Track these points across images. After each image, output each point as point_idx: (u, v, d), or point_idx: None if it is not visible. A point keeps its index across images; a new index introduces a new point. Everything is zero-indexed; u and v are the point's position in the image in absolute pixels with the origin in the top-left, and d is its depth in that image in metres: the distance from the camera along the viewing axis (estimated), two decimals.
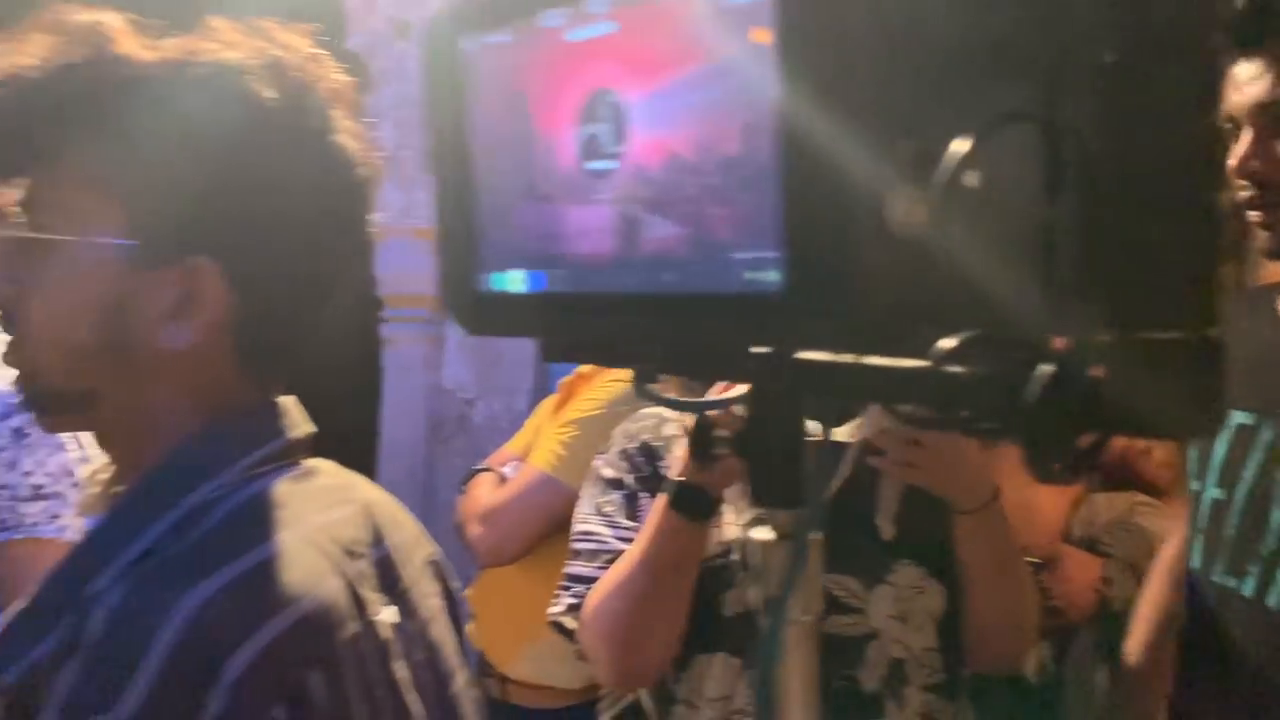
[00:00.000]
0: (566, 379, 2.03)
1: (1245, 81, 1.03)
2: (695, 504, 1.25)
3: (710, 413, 1.24)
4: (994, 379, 0.45)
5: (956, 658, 1.36)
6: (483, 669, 1.95)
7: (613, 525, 1.39)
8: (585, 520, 1.41)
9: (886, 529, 1.32)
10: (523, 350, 3.67)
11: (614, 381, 1.88)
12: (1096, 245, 0.44)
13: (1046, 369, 0.44)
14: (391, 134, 3.70)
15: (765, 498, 0.64)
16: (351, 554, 0.78)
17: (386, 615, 0.80)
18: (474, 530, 1.88)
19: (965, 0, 0.45)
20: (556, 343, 0.64)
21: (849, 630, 1.31)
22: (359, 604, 0.76)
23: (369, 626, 0.76)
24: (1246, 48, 1.04)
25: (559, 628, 1.38)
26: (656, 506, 1.28)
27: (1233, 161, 1.02)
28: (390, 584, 0.83)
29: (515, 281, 0.62)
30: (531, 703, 1.89)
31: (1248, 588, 1.05)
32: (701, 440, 1.35)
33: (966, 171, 0.45)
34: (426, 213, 3.72)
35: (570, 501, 1.50)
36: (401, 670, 0.80)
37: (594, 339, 0.61)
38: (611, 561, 1.34)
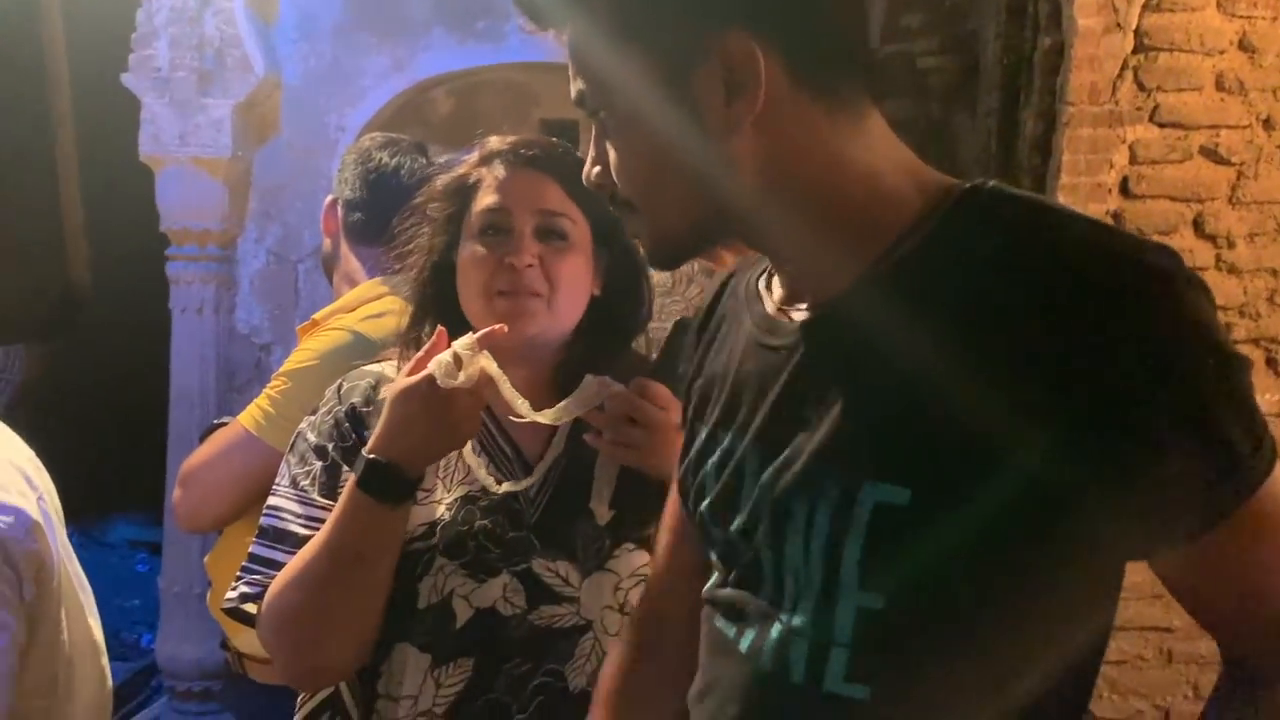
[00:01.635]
0: (302, 325, 1.80)
1: None
2: (387, 484, 1.09)
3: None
4: None
5: None
6: (223, 641, 1.78)
7: (304, 502, 1.20)
8: (277, 493, 1.23)
9: (601, 512, 1.19)
10: (320, 291, 3.46)
11: (333, 330, 1.67)
12: None
13: None
14: (165, 54, 3.36)
15: None
16: None
17: None
18: (176, 493, 1.68)
19: None
20: None
21: (559, 622, 1.17)
22: None
23: None
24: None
25: (237, 615, 1.19)
26: (347, 485, 1.13)
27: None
28: None
29: None
30: (266, 678, 1.70)
31: None
32: None
33: None
34: (208, 139, 3.44)
35: (274, 462, 1.31)
36: None
37: None
38: (299, 545, 1.16)
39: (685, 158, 0.76)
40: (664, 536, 1.00)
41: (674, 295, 1.71)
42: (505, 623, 1.15)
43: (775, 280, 0.86)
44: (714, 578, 0.88)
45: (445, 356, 1.09)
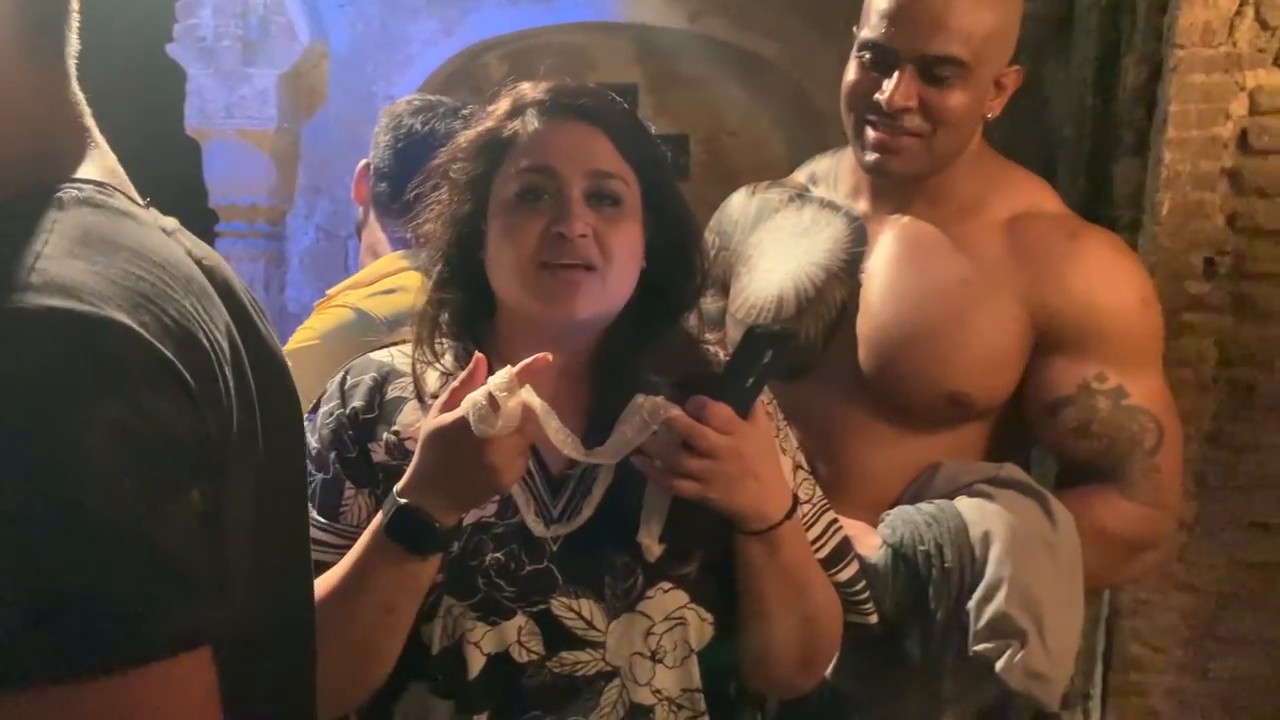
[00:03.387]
0: (319, 301, 1.72)
1: None
2: (418, 533, 0.98)
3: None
4: None
5: (723, 690, 1.11)
6: None
7: None
8: None
9: (650, 547, 1.04)
10: None
11: (336, 307, 1.58)
12: None
13: None
14: (209, 22, 3.25)
15: None
16: None
17: None
18: None
19: None
20: None
21: (582, 669, 1.04)
22: None
23: None
24: None
25: None
26: (372, 526, 1.01)
27: None
28: None
29: None
30: None
31: None
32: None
33: None
34: (253, 110, 3.33)
35: None
36: None
37: None
38: None
39: None
40: None
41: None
42: (520, 670, 1.03)
43: None
44: None
45: (479, 397, 0.95)
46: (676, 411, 0.99)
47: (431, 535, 0.98)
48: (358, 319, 1.54)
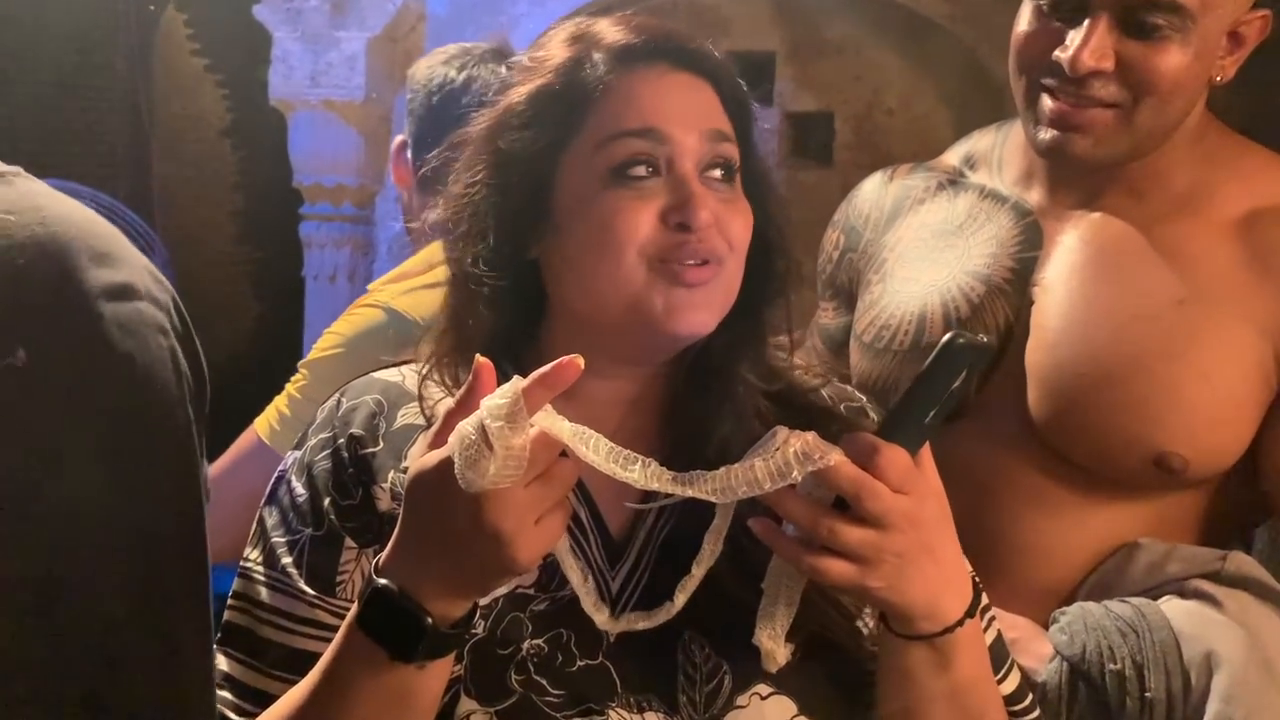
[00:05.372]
0: (359, 299, 1.54)
1: None
2: (405, 631, 0.75)
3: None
4: None
5: None
6: None
7: (283, 590, 0.89)
8: (247, 570, 0.92)
9: (775, 652, 0.82)
10: None
11: (366, 307, 1.43)
12: None
13: None
14: None
15: None
16: None
17: None
18: None
19: None
20: None
21: None
22: None
23: None
24: None
25: None
26: (349, 615, 0.79)
27: None
28: None
29: None
30: None
31: None
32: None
33: None
34: (340, 79, 3.01)
35: None
36: None
37: None
38: (280, 665, 0.87)
39: None
40: None
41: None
42: None
43: None
44: None
45: (468, 428, 0.72)
46: (839, 456, 0.77)
47: (421, 634, 0.75)
48: (389, 321, 1.39)
